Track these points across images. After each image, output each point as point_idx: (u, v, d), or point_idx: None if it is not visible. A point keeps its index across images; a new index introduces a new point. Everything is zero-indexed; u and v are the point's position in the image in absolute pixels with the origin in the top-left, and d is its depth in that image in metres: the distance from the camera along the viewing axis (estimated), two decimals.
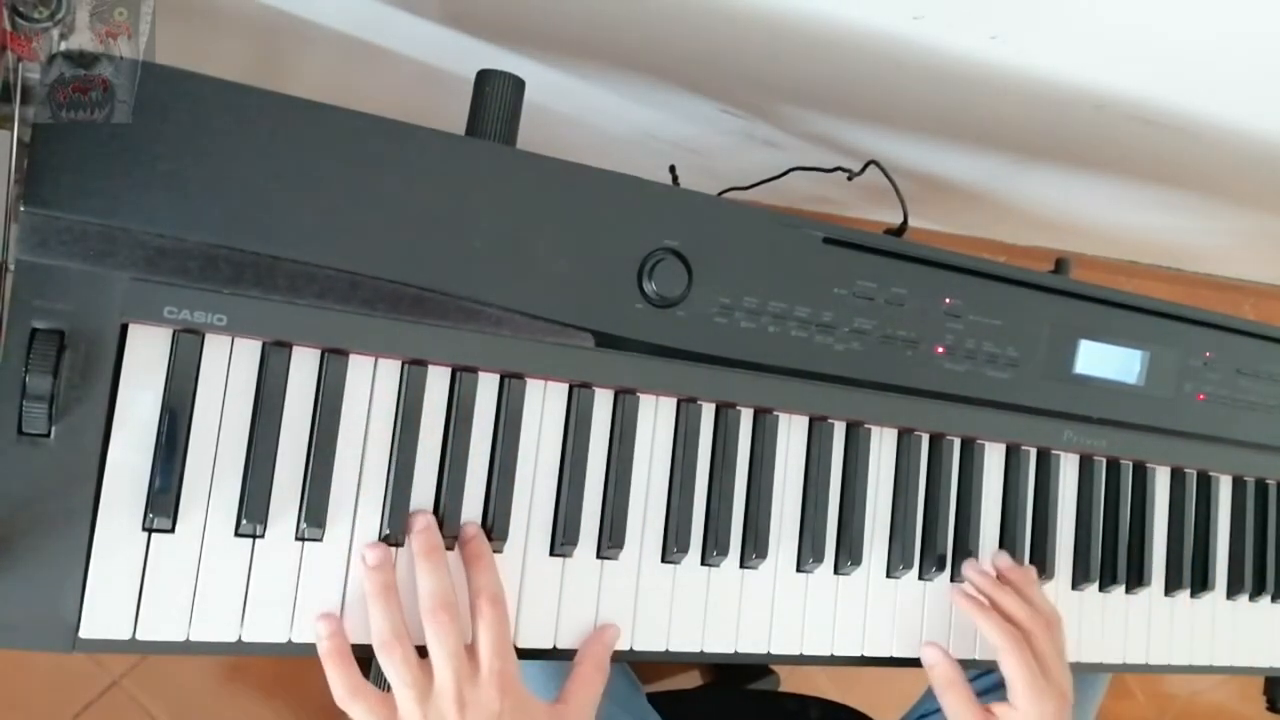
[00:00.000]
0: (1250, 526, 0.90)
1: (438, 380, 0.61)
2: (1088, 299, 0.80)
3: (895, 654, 0.74)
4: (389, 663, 0.57)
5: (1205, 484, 0.89)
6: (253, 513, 0.56)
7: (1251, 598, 0.90)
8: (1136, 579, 0.84)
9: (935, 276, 0.74)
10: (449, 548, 0.60)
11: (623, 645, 0.65)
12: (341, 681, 0.56)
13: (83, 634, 0.53)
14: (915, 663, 0.75)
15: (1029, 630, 0.73)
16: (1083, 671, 0.81)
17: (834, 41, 0.74)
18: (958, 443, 0.77)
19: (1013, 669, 0.71)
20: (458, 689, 0.57)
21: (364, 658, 0.59)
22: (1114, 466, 0.84)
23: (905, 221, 0.82)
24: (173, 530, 0.55)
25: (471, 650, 0.59)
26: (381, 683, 0.58)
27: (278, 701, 1.20)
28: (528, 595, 0.63)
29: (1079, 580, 0.82)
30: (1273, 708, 1.00)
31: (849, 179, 0.85)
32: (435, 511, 0.61)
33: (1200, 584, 0.87)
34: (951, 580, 0.76)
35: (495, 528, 0.62)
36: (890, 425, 0.75)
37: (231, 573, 0.56)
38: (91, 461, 0.53)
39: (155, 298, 0.54)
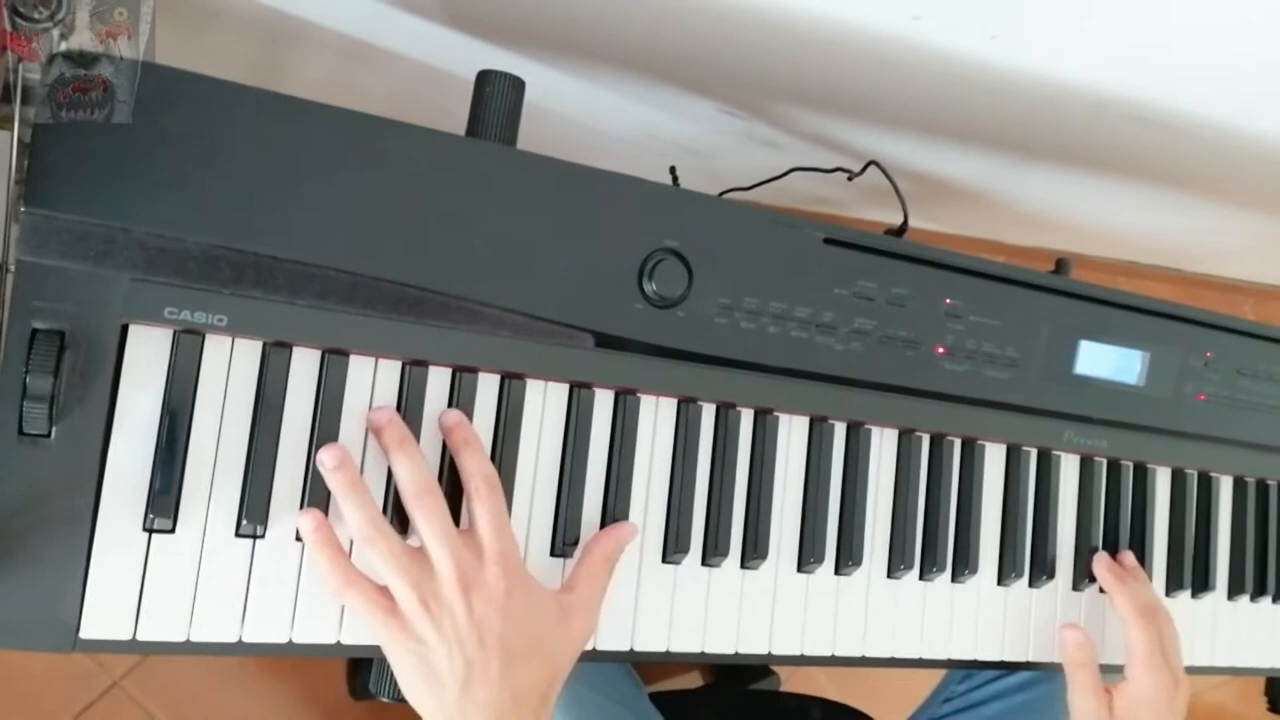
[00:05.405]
0: (1251, 527, 0.90)
1: (438, 381, 0.61)
2: (1088, 299, 0.80)
3: (896, 654, 0.74)
4: (377, 554, 0.54)
5: (1206, 484, 0.89)
6: (253, 513, 0.56)
7: (1253, 598, 0.90)
8: None
9: (935, 277, 0.74)
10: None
11: (623, 646, 0.65)
12: (333, 570, 0.54)
13: (83, 634, 0.53)
14: (915, 664, 0.75)
15: (1155, 611, 0.78)
16: None
17: (834, 41, 0.74)
18: (958, 443, 0.77)
19: (1137, 641, 0.76)
20: (459, 570, 0.54)
21: (365, 658, 0.58)
22: (1114, 467, 0.84)
23: (905, 221, 0.82)
24: (173, 531, 0.55)
25: (468, 534, 0.57)
26: (383, 684, 0.58)
27: (278, 702, 1.20)
28: None
29: (1079, 580, 0.81)
30: (1273, 708, 1.00)
31: (849, 179, 0.85)
32: None
33: (1201, 584, 0.87)
34: (952, 581, 0.76)
35: None
36: (891, 425, 0.75)
37: (232, 573, 0.56)
38: (92, 462, 0.53)
39: (156, 298, 0.54)
